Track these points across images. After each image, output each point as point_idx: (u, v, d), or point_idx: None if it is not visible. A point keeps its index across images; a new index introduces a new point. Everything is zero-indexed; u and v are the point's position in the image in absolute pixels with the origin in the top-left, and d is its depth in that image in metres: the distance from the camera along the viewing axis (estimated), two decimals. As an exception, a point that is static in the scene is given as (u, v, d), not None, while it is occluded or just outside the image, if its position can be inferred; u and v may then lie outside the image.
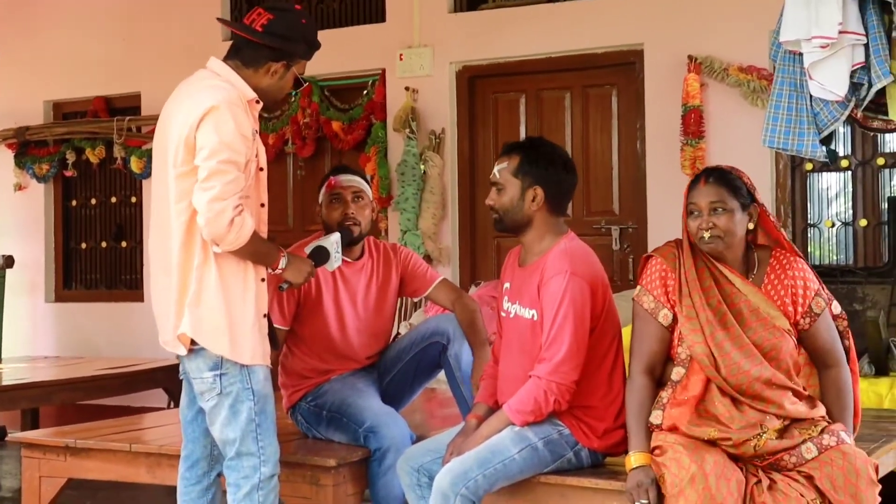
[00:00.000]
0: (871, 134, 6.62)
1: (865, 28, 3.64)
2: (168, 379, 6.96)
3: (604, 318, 3.53)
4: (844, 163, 6.69)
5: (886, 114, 3.80)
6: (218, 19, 3.63)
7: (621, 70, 7.25)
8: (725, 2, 6.82)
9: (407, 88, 7.63)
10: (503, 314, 3.71)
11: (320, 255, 3.90)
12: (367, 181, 4.36)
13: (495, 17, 7.54)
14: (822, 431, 3.27)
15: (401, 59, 7.70)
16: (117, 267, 8.99)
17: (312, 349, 4.25)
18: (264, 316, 3.53)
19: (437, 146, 7.56)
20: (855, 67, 3.70)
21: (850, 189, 6.78)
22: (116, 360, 7.80)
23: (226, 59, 3.55)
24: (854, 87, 3.77)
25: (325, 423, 4.16)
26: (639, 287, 3.46)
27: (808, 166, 6.77)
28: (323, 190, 4.27)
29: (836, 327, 3.41)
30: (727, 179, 3.35)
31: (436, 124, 7.63)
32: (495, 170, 3.66)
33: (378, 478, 3.96)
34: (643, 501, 3.17)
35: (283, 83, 3.59)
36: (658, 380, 3.43)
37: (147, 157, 8.33)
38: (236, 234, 3.35)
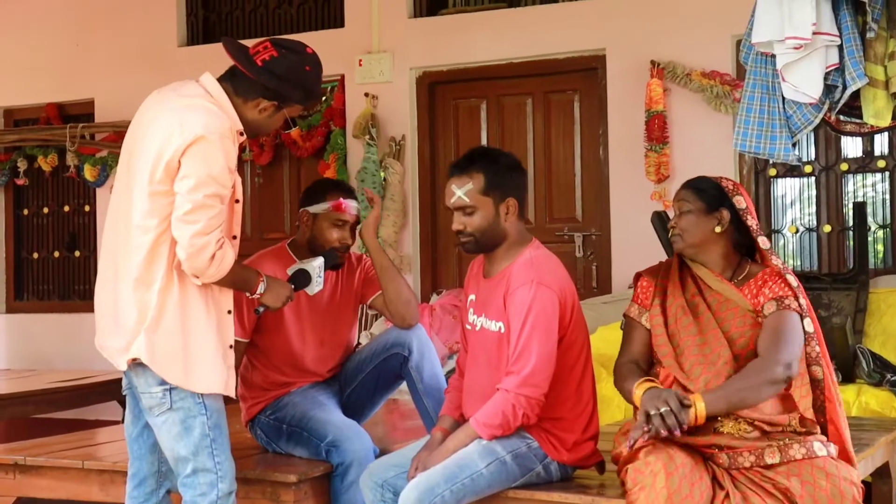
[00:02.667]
0: (835, 139, 6.61)
1: (839, 29, 3.58)
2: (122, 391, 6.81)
3: (572, 327, 3.46)
4: (808, 168, 6.66)
5: (860, 117, 3.73)
6: (222, 41, 3.48)
7: (583, 75, 7.22)
8: (688, 7, 6.80)
9: (366, 95, 7.56)
10: (468, 327, 3.63)
11: (301, 279, 3.80)
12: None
13: (456, 22, 7.48)
14: (792, 440, 3.19)
15: (360, 65, 7.64)
16: (71, 277, 8.86)
17: (272, 362, 4.14)
18: (230, 346, 3.41)
19: (397, 153, 7.50)
20: (829, 69, 3.64)
21: (814, 194, 6.75)
22: (70, 372, 7.65)
23: (221, 80, 3.41)
24: (828, 89, 3.70)
25: (286, 438, 4.05)
26: (630, 302, 3.57)
27: (772, 172, 6.74)
28: (327, 206, 4.08)
29: (808, 351, 3.35)
30: (694, 182, 3.51)
31: (396, 131, 7.56)
32: (459, 193, 3.50)
33: (341, 494, 3.85)
34: (664, 408, 3.05)
35: (270, 121, 3.47)
36: (644, 372, 3.42)
37: (102, 164, 8.22)
38: (217, 268, 3.26)
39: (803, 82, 3.61)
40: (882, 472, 4.27)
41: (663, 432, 3.04)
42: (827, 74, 3.66)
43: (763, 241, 3.44)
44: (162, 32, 8.21)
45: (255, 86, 3.36)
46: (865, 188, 6.71)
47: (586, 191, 7.23)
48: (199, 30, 8.29)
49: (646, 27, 6.89)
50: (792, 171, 6.69)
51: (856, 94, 3.71)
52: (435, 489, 3.29)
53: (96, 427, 6.65)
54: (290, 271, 3.82)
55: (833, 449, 3.27)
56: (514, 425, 3.36)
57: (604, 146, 7.08)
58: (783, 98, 3.79)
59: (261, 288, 3.49)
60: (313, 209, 4.10)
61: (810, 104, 3.74)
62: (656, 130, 6.67)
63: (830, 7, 3.57)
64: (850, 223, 6.58)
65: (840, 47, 3.61)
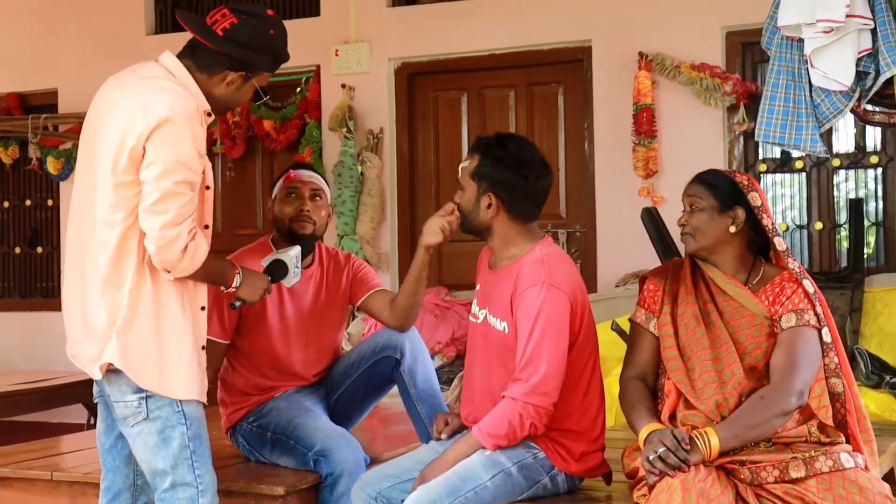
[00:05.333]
0: (825, 133, 6.43)
1: (872, 12, 3.38)
2: (88, 394, 6.52)
3: (583, 332, 3.27)
4: (799, 164, 6.51)
5: (891, 106, 3.55)
6: (177, 16, 3.22)
7: (568, 67, 7.05)
8: (676, -4, 6.63)
9: (343, 86, 7.38)
10: (471, 318, 3.45)
11: (278, 270, 3.59)
12: (327, 184, 4.08)
13: (436, 11, 7.32)
14: (817, 452, 3.00)
15: (336, 55, 7.45)
16: (32, 274, 8.67)
17: (254, 364, 3.94)
18: (202, 348, 3.20)
19: (375, 146, 7.32)
20: (861, 54, 3.44)
21: (805, 191, 6.59)
22: (32, 373, 7.43)
23: (180, 57, 3.17)
24: (858, 76, 3.50)
25: (270, 446, 3.84)
26: (636, 306, 3.39)
27: (762, 167, 6.60)
28: (279, 183, 3.98)
29: (826, 363, 3.17)
30: (705, 177, 3.31)
31: (374, 123, 7.39)
32: (461, 167, 3.40)
33: (330, 506, 3.65)
34: (661, 450, 2.89)
35: (239, 94, 3.24)
36: (652, 389, 3.29)
37: (65, 157, 8.06)
38: (189, 261, 3.04)
39: (834, 68, 3.42)
40: (887, 480, 4.10)
41: (671, 474, 2.87)
42: (858, 60, 3.46)
43: (779, 243, 3.24)
44: (129, 20, 8.00)
45: (218, 58, 3.13)
46: (857, 184, 6.55)
47: (571, 186, 7.07)
48: (168, 18, 8.06)
49: (633, 17, 6.74)
50: (783, 166, 6.54)
51: (887, 82, 3.51)
52: (436, 503, 3.09)
53: (60, 431, 6.50)
54: (264, 262, 3.60)
55: (861, 459, 3.08)
56: (520, 436, 3.17)
57: (589, 140, 6.93)
58: (810, 85, 3.59)
59: (236, 281, 3.27)
60: (273, 193, 3.98)
61: (840, 92, 3.54)
62: (644, 124, 6.52)
63: (864, -12, 3.38)
64: (842, 220, 6.44)
65: (874, 31, 3.41)
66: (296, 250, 3.65)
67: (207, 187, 3.15)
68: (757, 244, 3.29)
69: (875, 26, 3.42)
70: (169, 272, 3.05)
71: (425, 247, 3.59)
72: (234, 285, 3.27)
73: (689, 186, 3.31)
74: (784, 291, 3.16)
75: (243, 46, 3.11)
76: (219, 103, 3.20)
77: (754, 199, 3.22)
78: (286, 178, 3.97)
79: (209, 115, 3.14)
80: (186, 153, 3.00)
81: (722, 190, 3.23)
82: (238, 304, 3.39)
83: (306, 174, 3.97)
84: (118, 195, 3.02)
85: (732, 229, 3.21)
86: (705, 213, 3.23)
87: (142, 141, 2.98)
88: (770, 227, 3.23)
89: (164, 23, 8.05)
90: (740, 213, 3.21)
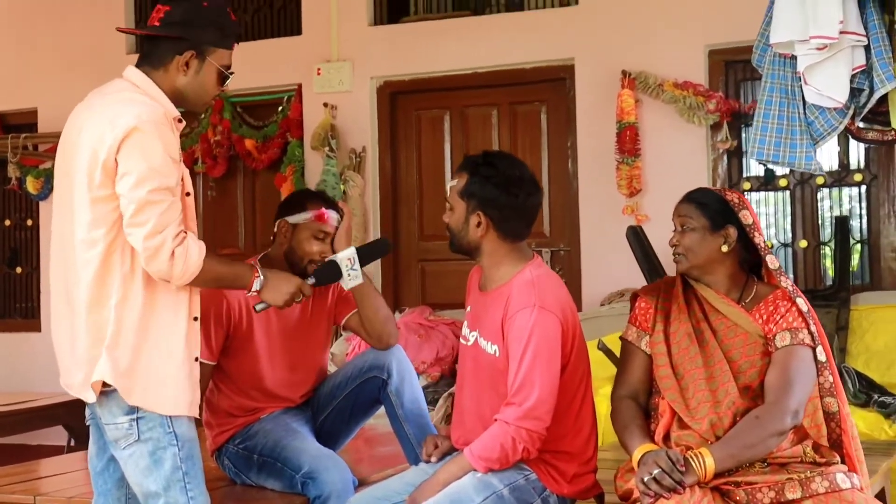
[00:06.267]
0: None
1: (865, 28, 3.36)
2: (69, 415, 6.58)
3: (574, 353, 3.24)
4: (783, 182, 6.51)
5: (884, 123, 3.52)
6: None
7: (551, 86, 7.04)
8: (659, 15, 6.66)
9: (325, 105, 7.36)
10: (462, 341, 3.41)
11: (328, 272, 3.55)
12: None
13: (418, 29, 7.30)
14: (813, 472, 2.97)
15: (318, 74, 7.42)
16: (11, 294, 8.61)
17: (240, 386, 3.88)
18: (195, 359, 3.14)
19: (357, 165, 7.30)
20: (855, 71, 3.42)
21: (789, 209, 6.59)
22: (11, 394, 7.34)
23: (138, 67, 3.14)
24: (853, 92, 3.48)
25: (257, 469, 3.78)
26: (627, 324, 3.35)
27: (746, 185, 6.59)
28: (308, 216, 3.82)
29: (821, 382, 3.15)
30: (696, 196, 3.29)
31: (356, 142, 7.36)
32: (448, 185, 3.37)
33: (318, 529, 3.59)
34: (656, 471, 2.86)
35: (202, 78, 3.17)
36: (644, 408, 3.25)
37: (45, 177, 8.02)
38: (183, 266, 2.98)
39: (828, 85, 3.39)
40: (878, 499, 4.07)
41: (666, 496, 2.84)
42: (852, 77, 3.44)
43: (772, 261, 3.21)
44: (109, 39, 7.87)
45: (163, 46, 3.10)
46: (842, 202, 6.56)
47: (554, 205, 7.04)
48: (149, 37, 7.98)
49: (616, 36, 6.73)
50: (766, 184, 6.54)
51: (881, 99, 3.49)
52: (427, 526, 3.05)
53: (40, 454, 6.42)
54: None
55: (857, 480, 3.05)
56: (512, 459, 3.13)
57: (573, 159, 6.91)
58: (804, 102, 3.57)
59: (256, 284, 3.20)
60: (293, 219, 3.82)
61: (834, 109, 3.52)
62: (628, 143, 6.51)
63: (856, 4, 3.35)
64: (827, 238, 6.44)
65: (867, 48, 3.39)
66: (350, 251, 3.60)
67: (188, 194, 3.11)
68: (749, 262, 3.27)
69: (868, 43, 3.40)
70: (168, 281, 3.01)
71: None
72: (255, 289, 3.21)
73: (679, 206, 3.28)
74: (778, 310, 3.13)
75: (180, 25, 3.09)
76: (188, 96, 3.15)
77: (745, 217, 3.19)
78: (319, 216, 3.81)
79: (179, 121, 3.10)
80: (158, 160, 2.96)
81: (712, 209, 3.21)
82: (262, 306, 3.32)
83: (335, 218, 3.84)
84: (97, 211, 2.98)
85: (724, 248, 3.19)
86: (697, 233, 3.20)
87: (112, 153, 2.94)
88: (762, 245, 3.20)
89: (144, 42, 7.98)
90: (732, 231, 3.19)
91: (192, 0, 3.14)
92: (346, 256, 3.57)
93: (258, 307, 3.32)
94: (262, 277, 3.21)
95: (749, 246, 3.23)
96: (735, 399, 3.06)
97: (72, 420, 6.59)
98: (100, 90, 3.14)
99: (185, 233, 3.01)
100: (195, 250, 3.01)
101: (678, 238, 3.24)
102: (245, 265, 3.25)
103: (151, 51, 3.12)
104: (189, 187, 3.12)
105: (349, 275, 3.57)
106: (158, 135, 2.97)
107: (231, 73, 3.22)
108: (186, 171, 3.13)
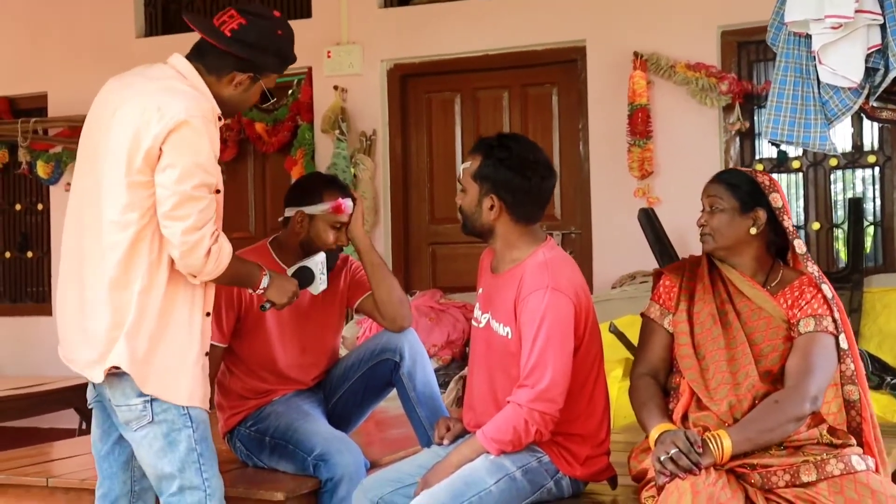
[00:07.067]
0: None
1: (881, 6, 3.32)
2: (80, 398, 6.45)
3: (587, 335, 3.21)
4: (796, 164, 6.47)
5: (897, 103, 3.50)
6: (184, 18, 3.20)
7: (562, 68, 7.01)
8: (671, -4, 6.59)
9: (335, 88, 7.34)
10: (474, 323, 3.39)
11: (304, 276, 3.58)
12: None
13: (428, 12, 7.26)
14: (829, 455, 2.95)
15: (328, 57, 7.40)
16: (22, 279, 8.60)
17: (252, 368, 3.87)
18: (206, 354, 3.16)
19: (367, 148, 7.27)
20: (870, 50, 3.38)
21: (802, 191, 6.56)
22: (22, 379, 7.37)
23: (188, 60, 3.13)
24: (868, 72, 3.45)
25: (269, 451, 3.77)
26: (649, 301, 3.32)
27: (759, 167, 6.54)
28: (326, 208, 3.80)
29: (842, 370, 3.13)
30: (726, 177, 3.25)
31: (366, 125, 7.34)
32: (461, 168, 3.34)
33: (330, 511, 3.59)
34: (673, 451, 2.85)
35: (247, 96, 3.20)
36: (663, 386, 3.23)
37: (55, 161, 7.97)
38: (215, 264, 3.01)
39: (843, 65, 3.36)
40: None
41: (681, 475, 2.82)
42: (867, 56, 3.41)
43: (799, 245, 3.18)
44: (119, 23, 7.93)
45: (226, 59, 3.10)
46: (855, 184, 6.52)
47: (566, 187, 7.01)
48: (158, 20, 8.01)
49: (628, 17, 6.70)
50: (779, 166, 6.50)
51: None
52: (439, 508, 3.03)
53: (52, 437, 6.42)
54: (290, 272, 3.59)
55: (871, 462, 3.03)
56: (525, 442, 3.12)
57: (584, 141, 6.87)
58: (818, 82, 3.53)
59: (264, 282, 3.25)
60: (310, 210, 3.80)
61: (849, 88, 3.48)
62: (640, 124, 6.48)
63: (872, -18, 3.33)
64: (840, 220, 6.41)
65: (883, 27, 3.35)
66: (321, 256, 3.64)
67: (217, 191, 3.10)
68: (776, 245, 3.24)
69: (884, 21, 3.36)
70: (195, 277, 3.02)
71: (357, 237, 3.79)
72: (262, 287, 3.24)
73: (708, 186, 3.24)
74: (804, 296, 3.11)
75: (251, 47, 3.08)
76: (227, 106, 3.16)
77: (775, 199, 3.15)
78: (336, 207, 3.80)
79: (220, 118, 3.10)
80: (204, 156, 2.97)
81: (743, 190, 3.17)
82: (268, 306, 3.37)
83: (351, 206, 3.84)
84: (133, 196, 2.97)
85: (753, 231, 3.15)
86: (726, 214, 3.16)
87: (158, 142, 2.93)
88: (790, 228, 3.17)
89: (154, 26, 7.99)
90: (761, 214, 3.15)
91: (269, 24, 3.13)
92: (318, 261, 3.61)
93: (265, 306, 3.38)
94: (268, 277, 3.25)
95: (777, 229, 3.19)
96: (755, 382, 3.04)
97: (83, 403, 6.47)
98: (141, 72, 3.13)
99: (218, 232, 3.02)
100: (227, 250, 3.04)
101: (706, 218, 3.20)
102: (256, 264, 3.27)
103: (210, 57, 3.11)
104: (220, 185, 3.11)
105: (320, 279, 3.61)
106: (206, 131, 2.97)
107: (274, 99, 3.27)
108: (218, 168, 3.12)
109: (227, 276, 3.09)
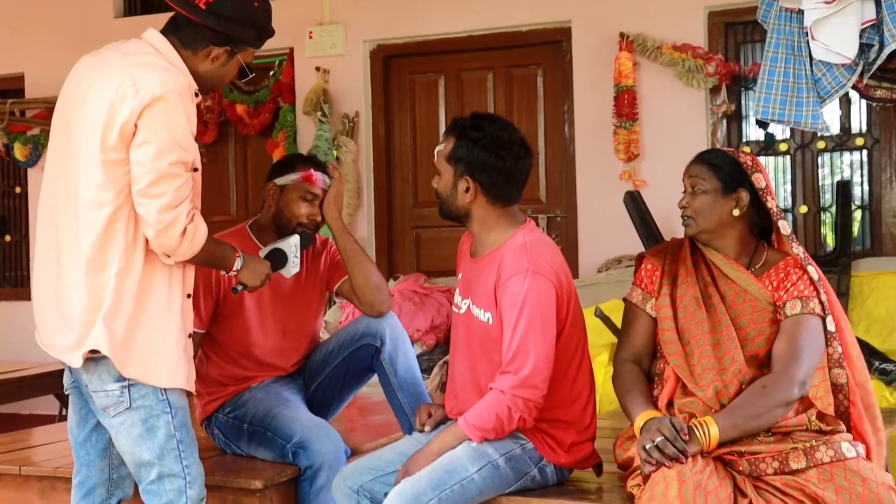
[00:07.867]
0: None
1: (876, -21, 3.25)
2: (59, 384, 6.37)
3: (570, 320, 3.15)
4: (783, 146, 6.40)
5: (894, 81, 3.41)
6: None
7: (547, 49, 6.91)
8: (658, -24, 6.50)
9: (317, 69, 7.22)
10: (454, 309, 3.33)
11: (276, 259, 3.51)
12: None
13: (412, -8, 7.13)
14: (818, 441, 2.89)
15: (310, 38, 7.29)
16: (0, 263, 8.46)
17: (230, 354, 3.81)
18: (189, 336, 3.10)
19: (350, 131, 7.18)
20: (864, 26, 3.29)
21: (790, 174, 6.49)
22: (1, 364, 7.27)
23: (163, 34, 3.06)
24: (862, 48, 3.36)
25: (247, 438, 3.72)
26: (631, 286, 3.27)
27: (746, 149, 6.44)
28: (296, 177, 3.77)
29: (829, 353, 3.06)
30: (708, 157, 3.18)
31: (349, 107, 7.23)
32: (436, 150, 3.28)
33: (310, 500, 3.54)
34: (658, 439, 2.79)
35: (224, 70, 3.13)
36: (647, 372, 3.18)
37: (33, 143, 7.87)
38: (190, 244, 2.96)
39: (836, 41, 3.28)
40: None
41: (667, 464, 2.77)
42: (861, 32, 3.32)
43: (784, 226, 3.12)
44: (97, 3, 7.82)
45: (202, 32, 3.04)
46: (843, 167, 6.46)
47: (550, 170, 6.94)
48: (137, 0, 7.87)
49: (614, -2, 6.59)
50: (766, 149, 6.43)
51: (892, 55, 3.38)
52: (421, 497, 2.99)
53: (31, 423, 6.35)
54: (262, 253, 3.52)
55: (862, 448, 2.98)
56: (508, 429, 3.06)
57: (569, 123, 6.80)
58: (811, 59, 3.45)
59: (237, 264, 3.20)
60: (281, 181, 3.76)
61: (843, 65, 3.40)
62: (626, 106, 6.39)
63: (866, -45, 3.25)
64: (827, 203, 6.35)
65: (877, 0, 3.27)
66: (295, 239, 3.57)
67: (195, 169, 3.04)
68: (759, 227, 3.18)
69: (879, -5, 3.30)
70: (169, 256, 2.97)
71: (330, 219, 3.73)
72: (235, 268, 3.19)
73: (690, 167, 3.18)
74: (789, 277, 3.05)
75: (227, 20, 3.02)
76: (204, 81, 3.10)
77: (758, 180, 3.10)
78: (307, 177, 3.77)
79: (197, 94, 3.03)
80: (181, 132, 2.91)
81: (725, 171, 3.11)
82: (240, 288, 3.33)
83: (323, 180, 3.79)
84: (108, 174, 2.91)
85: (736, 212, 3.10)
86: (708, 196, 3.11)
87: (133, 118, 2.87)
88: (775, 209, 3.11)
89: (132, 5, 7.87)
90: (744, 195, 3.10)
91: None
92: (292, 244, 3.55)
93: (236, 289, 3.33)
94: (241, 259, 3.20)
95: (760, 210, 3.14)
96: (741, 367, 2.98)
97: (62, 389, 6.45)
98: (116, 48, 3.06)
99: (194, 211, 2.97)
100: (202, 230, 2.99)
101: (688, 200, 3.15)
102: (229, 246, 3.22)
103: (186, 30, 3.05)
104: (198, 163, 3.06)
105: (293, 262, 3.55)
106: (183, 107, 2.92)
107: (252, 75, 3.19)
108: (196, 146, 3.05)
109: (201, 257, 3.03)
